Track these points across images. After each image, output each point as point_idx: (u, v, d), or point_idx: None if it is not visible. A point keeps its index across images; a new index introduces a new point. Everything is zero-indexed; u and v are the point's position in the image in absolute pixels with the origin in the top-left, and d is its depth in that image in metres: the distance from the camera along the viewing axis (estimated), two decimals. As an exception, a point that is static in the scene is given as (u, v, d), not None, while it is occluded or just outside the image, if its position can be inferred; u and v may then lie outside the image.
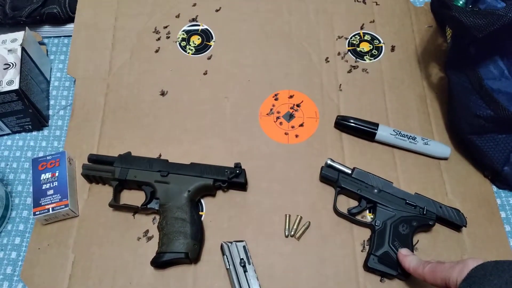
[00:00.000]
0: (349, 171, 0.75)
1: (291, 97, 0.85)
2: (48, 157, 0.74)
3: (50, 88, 0.88)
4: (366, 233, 0.72)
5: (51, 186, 0.71)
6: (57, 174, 0.72)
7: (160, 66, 0.87)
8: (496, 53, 0.72)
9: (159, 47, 0.89)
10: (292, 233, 0.72)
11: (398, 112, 0.84)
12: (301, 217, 0.73)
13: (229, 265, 0.67)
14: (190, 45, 0.90)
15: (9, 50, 0.78)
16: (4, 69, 0.76)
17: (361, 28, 0.93)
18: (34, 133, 0.83)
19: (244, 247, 0.69)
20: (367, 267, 0.68)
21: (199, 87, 0.85)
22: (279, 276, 0.69)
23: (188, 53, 0.89)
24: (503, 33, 0.66)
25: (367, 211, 0.74)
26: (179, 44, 0.90)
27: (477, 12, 0.65)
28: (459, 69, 0.76)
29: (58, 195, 0.70)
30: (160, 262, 0.67)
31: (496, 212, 0.75)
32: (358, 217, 0.73)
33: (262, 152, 0.80)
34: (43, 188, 0.71)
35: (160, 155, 0.78)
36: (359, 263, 0.70)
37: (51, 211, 0.69)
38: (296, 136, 0.82)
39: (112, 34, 0.90)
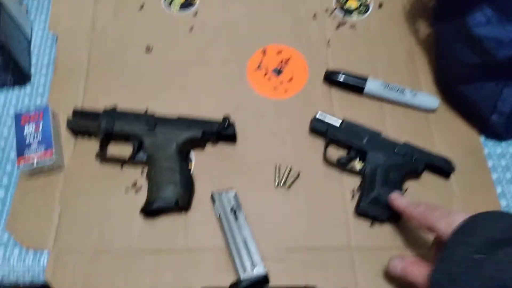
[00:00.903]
0: (339, 123, 0.75)
1: (279, 52, 0.84)
2: (31, 112, 0.72)
3: (32, 47, 0.86)
4: (355, 182, 0.72)
5: (35, 139, 0.69)
6: (40, 127, 0.70)
7: (144, 22, 0.85)
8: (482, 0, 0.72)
9: (143, 3, 0.87)
10: (282, 182, 0.71)
11: (387, 67, 0.84)
12: (291, 168, 0.73)
13: (220, 213, 0.67)
14: (174, 1, 0.88)
15: (-13, 3, 0.75)
16: (-17, 21, 0.73)
17: (349, -15, 0.92)
18: (16, 91, 0.81)
19: (234, 196, 0.68)
20: (358, 211, 0.68)
21: (185, 43, 0.84)
22: (269, 225, 0.68)
23: (173, 10, 0.87)
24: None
25: (357, 160, 0.74)
26: (164, 0, 0.88)
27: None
28: (446, 18, 0.76)
29: (43, 146, 0.69)
30: (149, 210, 0.66)
31: (484, 160, 0.76)
32: (348, 167, 0.73)
33: (251, 106, 0.79)
34: (27, 142, 0.69)
35: (146, 111, 0.77)
36: (349, 210, 0.70)
37: (35, 163, 0.67)
38: (285, 91, 0.81)
39: (95, -11, 0.88)
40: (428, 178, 0.73)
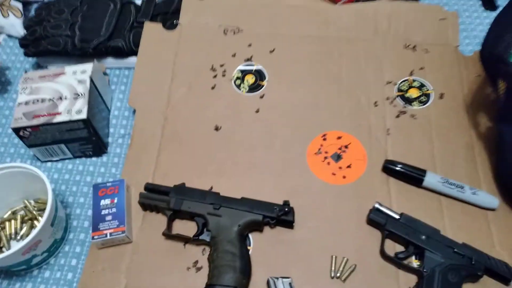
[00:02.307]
0: (397, 216, 0.76)
1: (339, 138, 0.88)
2: (108, 184, 0.78)
3: (110, 116, 0.94)
4: (411, 280, 0.72)
5: (110, 212, 0.75)
6: (115, 201, 0.76)
7: (215, 102, 0.91)
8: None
9: (215, 84, 0.93)
10: (338, 274, 0.73)
11: (445, 159, 0.85)
12: (347, 259, 0.74)
13: (275, 300, 0.69)
14: (244, 83, 0.94)
15: (79, 81, 0.84)
16: (74, 98, 0.81)
17: (411, 74, 0.95)
18: (94, 159, 0.88)
19: (290, 283, 0.70)
20: (416, 314, 0.68)
21: (251, 124, 0.89)
22: (323, 317, 0.69)
23: (242, 91, 0.93)
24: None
25: (413, 258, 0.75)
26: (234, 82, 0.94)
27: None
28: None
29: (116, 221, 0.74)
30: (210, 294, 0.69)
31: (546, 268, 0.74)
32: (405, 263, 0.73)
33: (310, 190, 0.81)
34: (102, 213, 0.75)
35: (211, 188, 0.81)
36: (405, 310, 0.70)
37: (108, 236, 0.72)
38: (344, 177, 0.83)
39: (171, 69, 0.95)
40: (486, 281, 0.72)
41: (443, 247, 0.72)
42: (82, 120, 0.79)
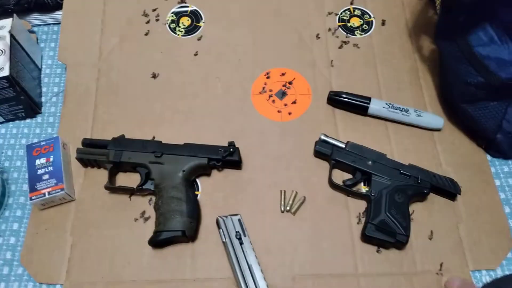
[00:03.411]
0: (343, 145, 0.75)
1: (283, 74, 0.85)
2: (42, 143, 0.74)
3: (42, 75, 0.88)
4: (361, 206, 0.73)
5: (46, 171, 0.71)
6: (51, 159, 0.72)
7: (150, 49, 0.87)
8: (485, 19, 0.71)
9: (148, 30, 0.88)
10: (288, 208, 0.72)
11: (390, 85, 0.84)
12: (296, 192, 0.73)
13: (225, 238, 0.68)
14: (179, 26, 0.89)
15: (-3, 38, 0.78)
16: (-6, 56, 0.76)
17: (351, 3, 0.92)
18: (28, 120, 0.83)
19: (239, 220, 0.70)
20: (364, 236, 0.68)
21: (190, 68, 0.85)
22: (275, 251, 0.69)
23: (178, 34, 0.89)
24: (492, -2, 0.66)
25: (362, 184, 0.75)
26: (169, 26, 0.89)
27: (465, -22, 0.65)
28: (448, 37, 0.75)
29: (54, 179, 0.70)
30: (157, 241, 0.67)
31: (491, 180, 0.76)
32: (353, 190, 0.73)
33: (256, 130, 0.80)
34: (38, 173, 0.71)
35: (153, 137, 0.78)
36: (355, 236, 0.70)
37: (47, 196, 0.69)
38: (289, 113, 0.82)
39: (101, 19, 0.89)
40: (434, 199, 0.73)
41: (390, 170, 0.72)
42: (5, 78, 0.74)
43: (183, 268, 0.68)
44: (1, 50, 0.76)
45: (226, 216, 0.70)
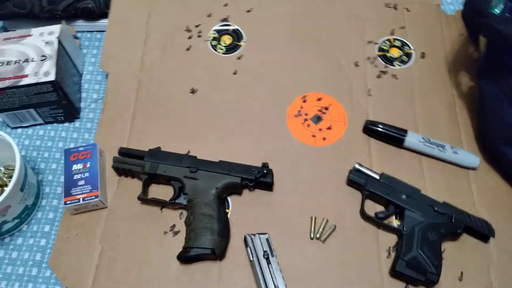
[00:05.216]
0: (377, 176, 0.75)
1: (319, 99, 0.85)
2: (80, 148, 0.75)
3: (82, 81, 0.90)
4: (391, 240, 0.72)
5: (82, 177, 0.72)
6: (88, 166, 0.73)
7: (191, 64, 0.88)
8: (531, 63, 0.71)
9: (190, 46, 0.90)
10: (318, 235, 0.72)
11: (427, 119, 0.84)
12: (327, 220, 0.73)
13: (252, 257, 0.68)
14: (220, 44, 0.90)
15: (46, 43, 0.80)
16: (41, 60, 0.77)
17: (392, 34, 0.93)
18: (66, 124, 0.84)
19: (267, 239, 0.69)
20: (394, 271, 0.67)
21: (228, 86, 0.86)
22: (302, 278, 0.68)
23: (219, 52, 0.90)
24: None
25: (394, 217, 0.74)
26: (210, 43, 0.91)
27: (515, 21, 0.65)
28: (491, 78, 0.75)
29: (89, 186, 0.71)
30: (186, 257, 0.67)
31: (525, 225, 0.74)
32: (385, 222, 0.72)
33: (289, 153, 0.80)
34: (74, 178, 0.72)
35: (188, 152, 0.79)
36: (384, 269, 0.69)
37: (81, 201, 0.70)
38: (324, 139, 0.82)
39: (144, 31, 0.91)
40: (465, 240, 0.72)
41: (423, 206, 0.72)
42: (50, 82, 0.76)
43: (210, 286, 0.67)
44: (49, 55, 0.78)
45: (254, 235, 0.69)
